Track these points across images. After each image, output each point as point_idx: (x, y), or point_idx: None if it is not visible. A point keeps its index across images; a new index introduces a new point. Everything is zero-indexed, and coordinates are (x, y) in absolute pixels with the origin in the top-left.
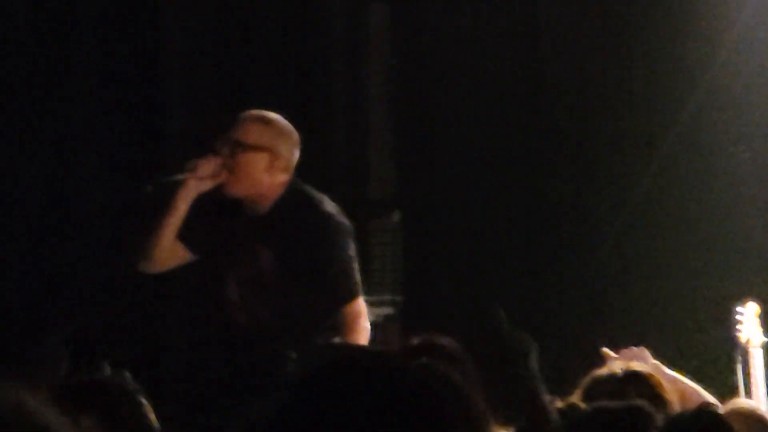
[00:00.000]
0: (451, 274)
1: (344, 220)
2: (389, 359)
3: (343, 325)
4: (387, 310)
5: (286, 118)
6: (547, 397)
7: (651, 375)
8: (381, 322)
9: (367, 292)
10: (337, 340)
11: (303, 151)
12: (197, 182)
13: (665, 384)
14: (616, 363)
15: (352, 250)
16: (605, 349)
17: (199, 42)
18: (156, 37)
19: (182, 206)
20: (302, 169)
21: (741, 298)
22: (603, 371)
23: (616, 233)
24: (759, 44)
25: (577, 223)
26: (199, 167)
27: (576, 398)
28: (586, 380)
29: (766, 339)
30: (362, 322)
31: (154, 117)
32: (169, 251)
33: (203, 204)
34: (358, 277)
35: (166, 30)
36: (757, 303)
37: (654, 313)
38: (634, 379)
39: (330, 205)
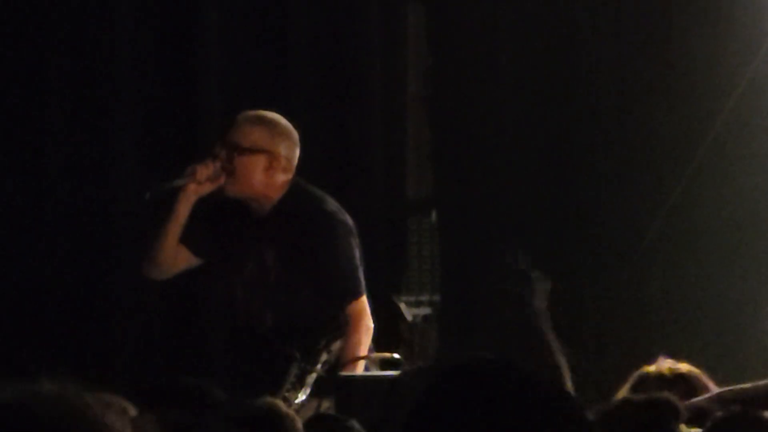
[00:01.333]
0: (489, 273)
1: (346, 219)
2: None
3: (346, 324)
4: (424, 310)
5: (323, 116)
6: (553, 337)
7: (699, 377)
8: (418, 323)
9: (405, 292)
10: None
11: (341, 151)
12: (197, 187)
13: (712, 387)
14: (665, 362)
15: (354, 248)
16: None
17: (236, 41)
18: (193, 33)
19: (183, 211)
20: (340, 169)
21: None
22: (651, 369)
23: (656, 231)
24: None
25: (616, 223)
26: (197, 171)
27: (624, 392)
28: (633, 377)
29: None
30: (366, 321)
31: (190, 116)
32: (173, 257)
33: (206, 207)
34: (361, 275)
35: (203, 29)
36: None
37: (694, 314)
38: (681, 380)
39: (332, 204)
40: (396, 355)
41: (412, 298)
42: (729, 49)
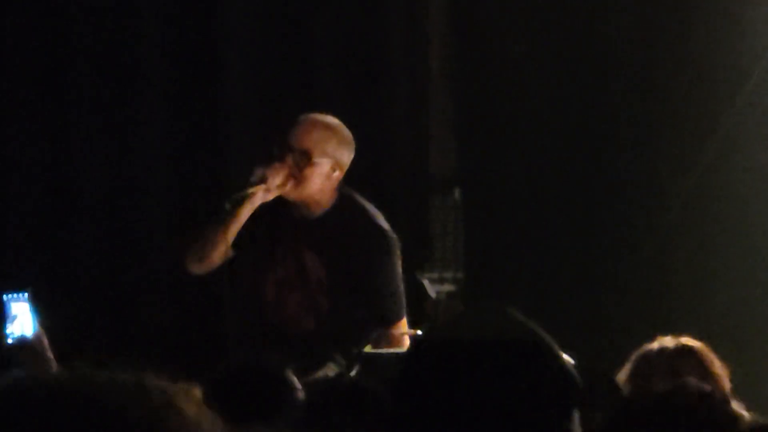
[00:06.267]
0: (513, 250)
1: (394, 236)
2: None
3: (384, 344)
4: (448, 287)
5: (345, 95)
6: None
7: (702, 350)
8: (442, 299)
9: (428, 269)
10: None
11: (364, 128)
12: (264, 193)
13: (716, 360)
14: (667, 338)
15: (400, 267)
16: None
17: (256, 23)
18: (212, 20)
19: (245, 216)
20: (362, 147)
21: None
22: (653, 345)
23: (679, 211)
24: None
25: (638, 202)
26: (269, 178)
27: (625, 372)
28: (636, 354)
29: None
30: (404, 345)
31: (212, 104)
32: (223, 257)
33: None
34: (403, 298)
35: (224, 17)
36: None
37: (710, 304)
38: (685, 353)
39: (383, 219)
40: (420, 332)
41: (435, 275)
42: (748, 34)
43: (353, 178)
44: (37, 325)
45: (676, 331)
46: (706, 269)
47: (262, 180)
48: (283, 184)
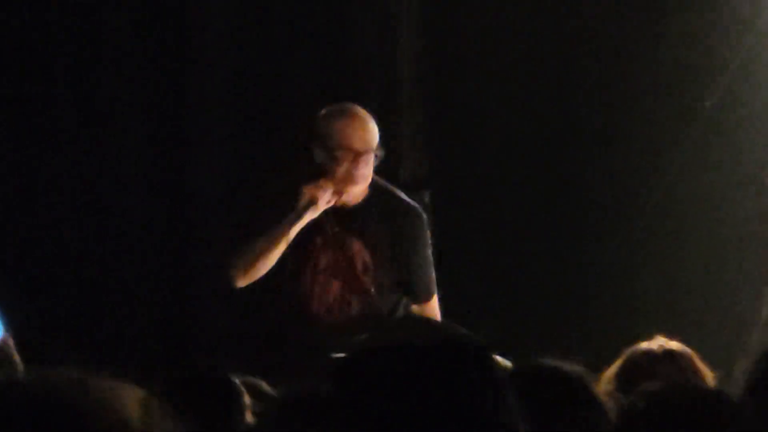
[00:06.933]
0: (482, 253)
1: (425, 215)
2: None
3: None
4: None
5: (316, 98)
6: None
7: (688, 353)
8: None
9: None
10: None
11: None
12: (312, 213)
13: (701, 364)
14: (654, 340)
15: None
16: None
17: (226, 28)
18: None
19: (293, 236)
20: None
21: None
22: (640, 347)
23: (646, 213)
24: None
25: (606, 205)
26: (319, 199)
27: (612, 372)
28: (623, 356)
29: None
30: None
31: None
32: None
33: (278, 192)
34: (434, 274)
35: (195, 19)
36: None
37: (685, 296)
38: (670, 356)
39: (410, 199)
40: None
41: None
42: (719, 33)
43: None
44: (2, 329)
45: (643, 332)
46: (675, 271)
47: (312, 202)
48: (332, 200)
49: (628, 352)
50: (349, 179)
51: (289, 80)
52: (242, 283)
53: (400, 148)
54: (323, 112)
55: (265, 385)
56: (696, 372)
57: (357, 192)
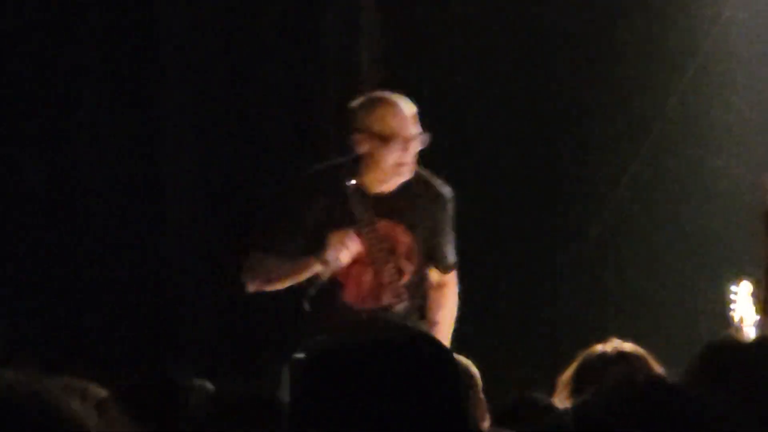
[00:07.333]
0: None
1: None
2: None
3: (439, 296)
4: None
5: (280, 96)
6: None
7: (641, 355)
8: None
9: None
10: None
11: (296, 130)
12: (336, 265)
13: (655, 365)
14: (608, 343)
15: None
16: None
17: (195, 20)
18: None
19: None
20: (295, 147)
21: (735, 277)
22: (594, 350)
23: (612, 213)
24: (743, 31)
25: (572, 206)
26: (346, 252)
27: (567, 376)
28: (578, 359)
29: (758, 318)
30: (455, 294)
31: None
32: None
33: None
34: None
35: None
36: (750, 282)
37: (647, 293)
38: (623, 358)
39: (435, 179)
40: None
41: None
42: (677, 36)
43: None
44: None
45: (610, 332)
46: (642, 269)
47: (341, 259)
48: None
49: (582, 355)
50: (398, 167)
51: (251, 84)
52: (252, 290)
53: None
54: (361, 102)
55: (210, 386)
56: (650, 371)
57: (395, 180)
